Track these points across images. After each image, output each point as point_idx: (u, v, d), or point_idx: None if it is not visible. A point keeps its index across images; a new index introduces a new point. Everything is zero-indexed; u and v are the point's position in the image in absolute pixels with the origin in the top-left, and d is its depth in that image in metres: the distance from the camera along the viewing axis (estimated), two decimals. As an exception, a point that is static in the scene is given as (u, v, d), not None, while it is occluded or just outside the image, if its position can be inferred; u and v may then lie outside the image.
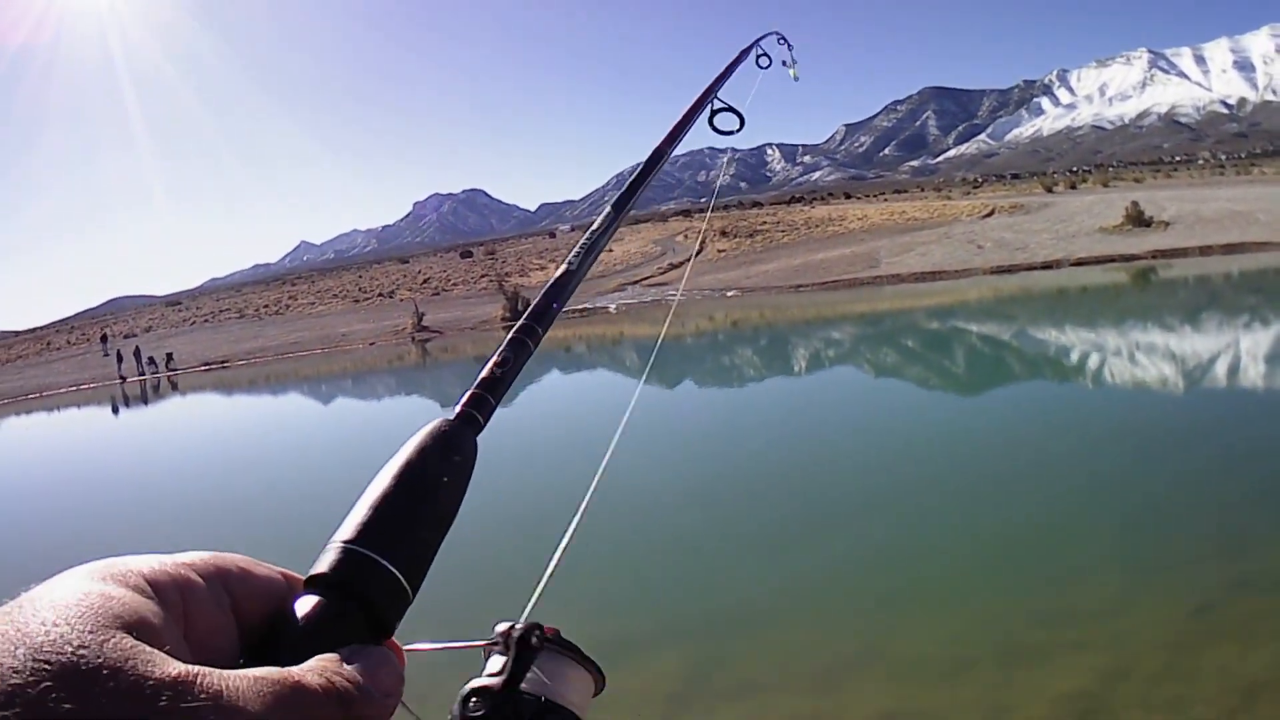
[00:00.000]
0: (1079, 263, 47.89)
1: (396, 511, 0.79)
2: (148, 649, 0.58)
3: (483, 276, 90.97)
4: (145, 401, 50.70)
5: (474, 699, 0.78)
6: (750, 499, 15.36)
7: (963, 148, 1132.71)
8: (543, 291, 1.11)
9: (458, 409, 0.91)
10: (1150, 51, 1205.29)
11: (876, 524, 13.13)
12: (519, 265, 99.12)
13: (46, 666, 0.53)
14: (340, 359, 54.80)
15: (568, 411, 26.73)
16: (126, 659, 0.55)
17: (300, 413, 38.66)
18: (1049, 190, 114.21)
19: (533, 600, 0.98)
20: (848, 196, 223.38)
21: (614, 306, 57.43)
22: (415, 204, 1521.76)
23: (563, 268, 1.17)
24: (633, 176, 1.47)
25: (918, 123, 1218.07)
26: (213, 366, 59.46)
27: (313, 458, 24.42)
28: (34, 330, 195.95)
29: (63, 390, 58.39)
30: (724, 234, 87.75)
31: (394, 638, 0.76)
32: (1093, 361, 24.48)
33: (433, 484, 0.83)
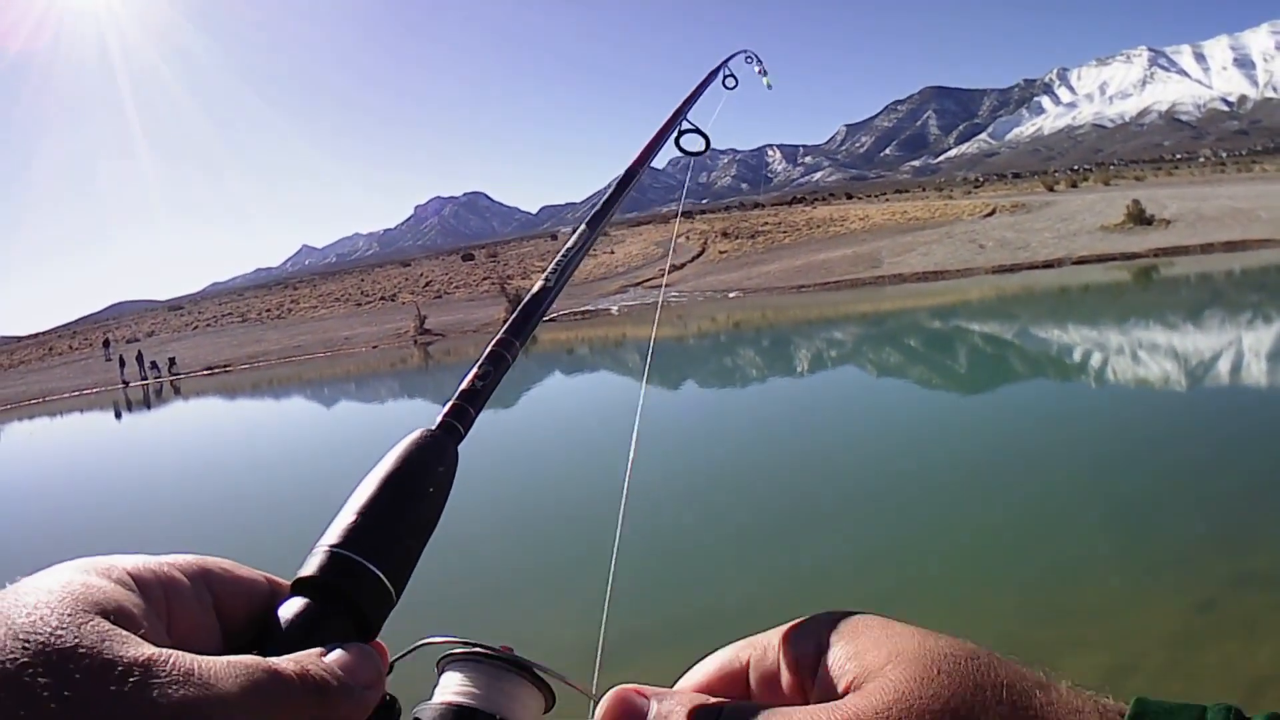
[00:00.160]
0: (1080, 261, 47.87)
1: (381, 517, 0.81)
2: (124, 632, 0.59)
3: (485, 279, 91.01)
4: (148, 406, 50.71)
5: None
6: (753, 498, 15.37)
7: (964, 147, 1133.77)
8: (520, 307, 1.12)
9: (439, 419, 0.93)
10: (1150, 49, 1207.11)
11: (879, 522, 13.13)
12: (521, 268, 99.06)
13: (24, 645, 0.55)
14: (343, 362, 54.79)
15: (578, 418, 26.73)
16: (102, 639, 0.57)
17: (303, 417, 38.65)
18: (1050, 189, 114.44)
19: (599, 650, 0.98)
20: (849, 197, 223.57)
21: (616, 308, 57.44)
22: (417, 207, 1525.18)
23: (539, 283, 1.17)
24: (606, 195, 1.48)
25: (918, 122, 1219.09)
26: (215, 371, 59.42)
27: (314, 462, 24.41)
28: (36, 335, 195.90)
29: (65, 395, 58.34)
30: (725, 235, 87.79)
31: (379, 639, 0.77)
32: (1095, 360, 24.48)
33: (416, 491, 0.85)
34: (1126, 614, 8.89)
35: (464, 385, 0.98)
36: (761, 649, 0.81)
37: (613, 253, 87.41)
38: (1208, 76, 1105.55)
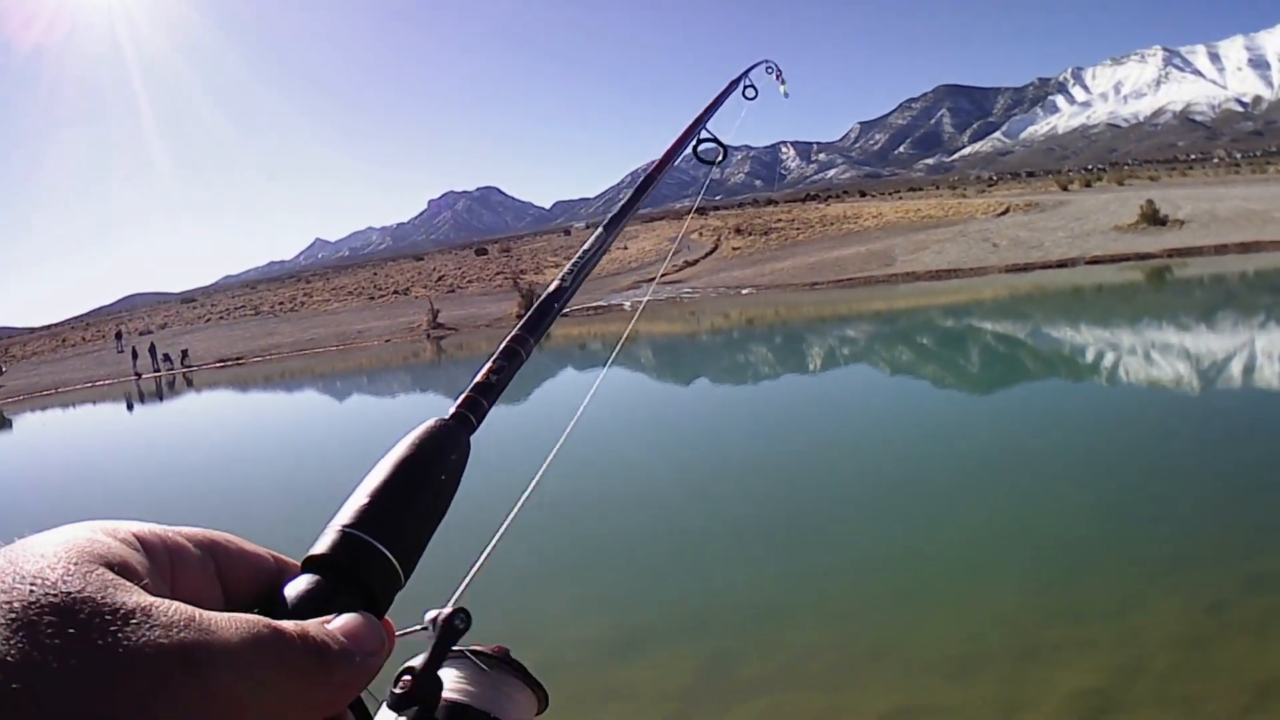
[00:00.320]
0: (1094, 261, 47.80)
1: (392, 501, 0.81)
2: (126, 582, 0.60)
3: (498, 274, 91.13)
4: (160, 398, 50.90)
5: (403, 677, 0.79)
6: (763, 495, 15.37)
7: (978, 145, 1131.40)
8: (536, 304, 1.14)
9: (452, 410, 0.95)
10: (1165, 49, 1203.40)
11: (889, 521, 13.14)
12: (534, 262, 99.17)
13: (31, 590, 0.56)
14: (355, 356, 54.90)
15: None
16: (105, 586, 0.58)
17: (314, 409, 38.70)
18: (1064, 188, 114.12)
19: (461, 587, 0.80)
20: (863, 194, 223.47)
21: (628, 304, 57.40)
22: (430, 202, 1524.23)
23: (555, 283, 1.20)
24: (623, 202, 1.50)
25: (933, 120, 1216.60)
26: (228, 363, 59.58)
27: (324, 455, 24.45)
28: (49, 327, 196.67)
29: (78, 387, 58.52)
30: (739, 232, 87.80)
31: (387, 617, 0.77)
32: (1107, 360, 24.46)
33: (427, 477, 0.85)
34: (1135, 614, 8.89)
35: (478, 378, 1.00)
36: None
37: (625, 248, 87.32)
38: (1223, 77, 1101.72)
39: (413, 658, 0.81)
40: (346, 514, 0.80)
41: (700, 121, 1.86)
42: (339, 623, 0.70)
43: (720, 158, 1.85)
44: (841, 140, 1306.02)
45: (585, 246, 1.32)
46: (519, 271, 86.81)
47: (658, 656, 9.37)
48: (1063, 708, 7.48)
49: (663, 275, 69.57)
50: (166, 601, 0.60)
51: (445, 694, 0.80)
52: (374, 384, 45.25)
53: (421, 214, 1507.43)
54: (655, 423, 22.49)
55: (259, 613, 0.70)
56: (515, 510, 0.98)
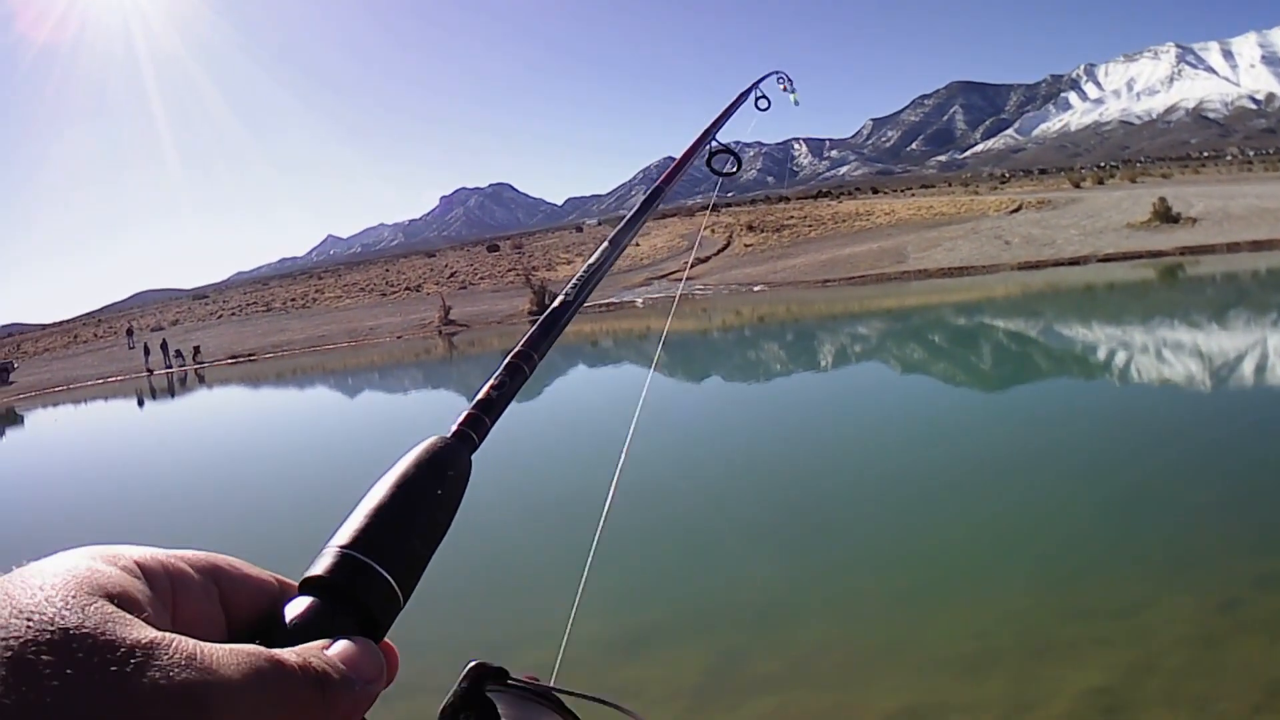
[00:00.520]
0: (1106, 259, 47.70)
1: (391, 521, 0.81)
2: (127, 615, 0.59)
3: (510, 270, 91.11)
4: (172, 394, 50.99)
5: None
6: (773, 494, 15.38)
7: (990, 143, 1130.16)
8: (540, 320, 1.13)
9: (454, 428, 0.93)
10: (1178, 46, 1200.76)
11: (899, 518, 13.13)
12: (546, 259, 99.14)
13: (29, 624, 0.55)
14: (367, 352, 54.91)
15: (590, 406, 26.70)
16: (105, 621, 0.57)
17: (326, 406, 38.69)
18: (1076, 186, 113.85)
19: (560, 653, 0.97)
20: (875, 191, 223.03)
21: (641, 301, 57.40)
22: (442, 198, 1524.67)
23: (560, 298, 1.18)
24: (631, 214, 1.50)
25: (945, 117, 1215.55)
26: (239, 359, 59.61)
27: (337, 454, 24.46)
28: (61, 323, 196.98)
29: (90, 383, 58.57)
30: (751, 229, 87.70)
31: (388, 641, 0.76)
32: (1119, 358, 24.41)
33: (427, 497, 0.84)
34: (1146, 613, 8.89)
35: (480, 395, 0.98)
36: None
37: (638, 245, 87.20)
38: (1235, 74, 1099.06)
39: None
40: (344, 534, 0.79)
41: (710, 133, 1.87)
42: (338, 649, 0.69)
43: (734, 169, 1.86)
44: (854, 137, 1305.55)
45: (591, 260, 1.30)
46: (531, 268, 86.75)
47: (667, 654, 9.38)
48: (1073, 706, 7.48)
49: (674, 273, 69.53)
50: (169, 637, 0.59)
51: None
52: (386, 381, 45.28)
53: (434, 210, 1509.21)
54: (665, 420, 22.50)
55: (259, 637, 0.69)
56: (590, 559, 1.00)
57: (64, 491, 24.65)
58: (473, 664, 0.88)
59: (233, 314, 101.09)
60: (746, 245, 79.18)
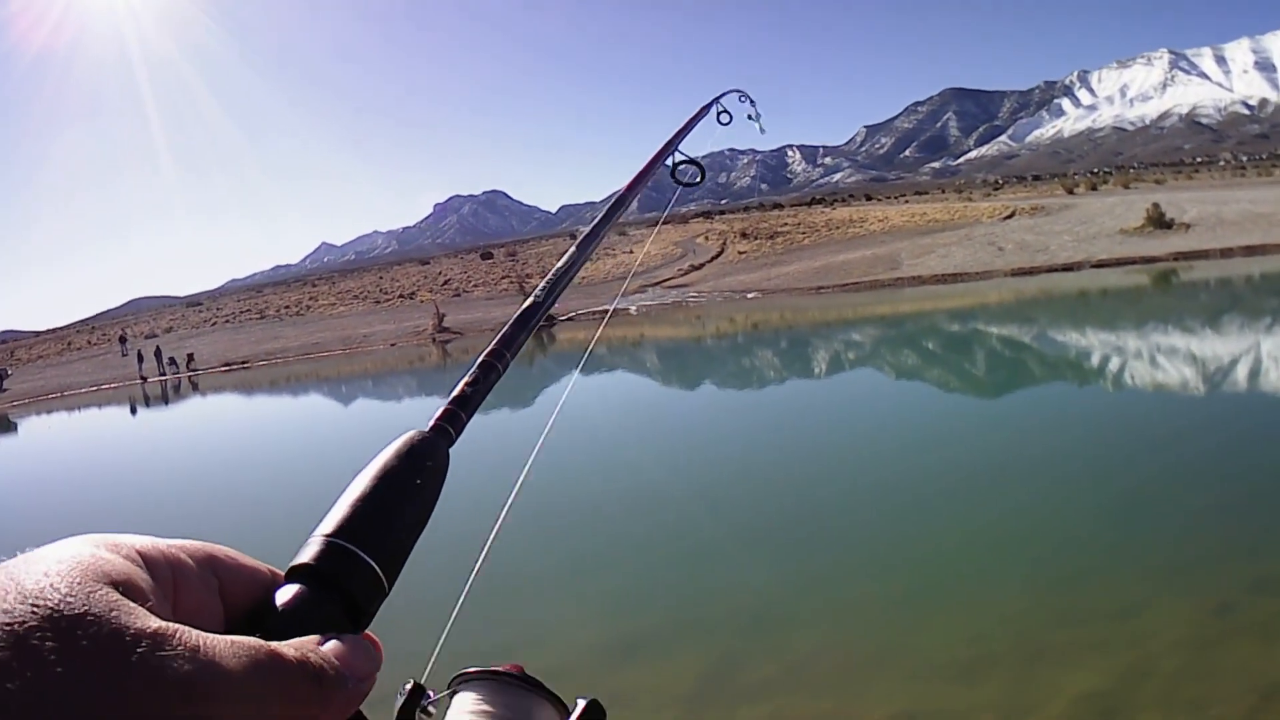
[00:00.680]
0: (1100, 265, 47.80)
1: (375, 510, 0.82)
2: (131, 604, 0.60)
3: (503, 278, 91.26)
4: (166, 402, 50.94)
5: None
6: (768, 499, 15.39)
7: (983, 149, 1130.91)
8: (510, 321, 1.16)
9: (431, 423, 0.96)
10: (1171, 52, 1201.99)
11: (895, 524, 13.14)
12: (540, 266, 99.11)
13: (34, 610, 0.55)
14: (361, 360, 54.96)
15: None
16: (110, 609, 0.57)
17: (320, 414, 38.73)
18: (1070, 192, 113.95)
19: (433, 656, 0.96)
20: (868, 198, 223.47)
21: (635, 308, 57.42)
22: (436, 205, 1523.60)
23: (530, 300, 1.22)
24: (596, 220, 1.53)
25: (938, 124, 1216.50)
26: (233, 367, 59.64)
27: (330, 459, 24.47)
28: (55, 330, 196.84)
29: (83, 390, 58.59)
30: (745, 236, 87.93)
31: (369, 630, 0.78)
32: (1113, 364, 24.44)
33: (408, 487, 0.86)
34: (1142, 617, 8.90)
35: (456, 391, 1.01)
36: None
37: (631, 252, 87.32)
38: (1228, 79, 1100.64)
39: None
40: (329, 523, 0.80)
41: (673, 144, 1.91)
42: (332, 646, 0.70)
43: (699, 179, 1.89)
44: (847, 144, 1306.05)
45: (559, 265, 1.33)
46: (525, 275, 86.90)
47: (662, 660, 9.38)
48: (1069, 710, 7.48)
49: (668, 280, 69.60)
50: (173, 627, 0.60)
51: (467, 715, 0.82)
52: (379, 388, 45.31)
53: (427, 218, 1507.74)
54: (659, 426, 22.50)
55: (255, 626, 0.71)
56: (498, 525, 1.01)
57: (56, 498, 24.62)
58: (410, 684, 0.88)
59: (227, 321, 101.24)
60: (740, 252, 79.39)
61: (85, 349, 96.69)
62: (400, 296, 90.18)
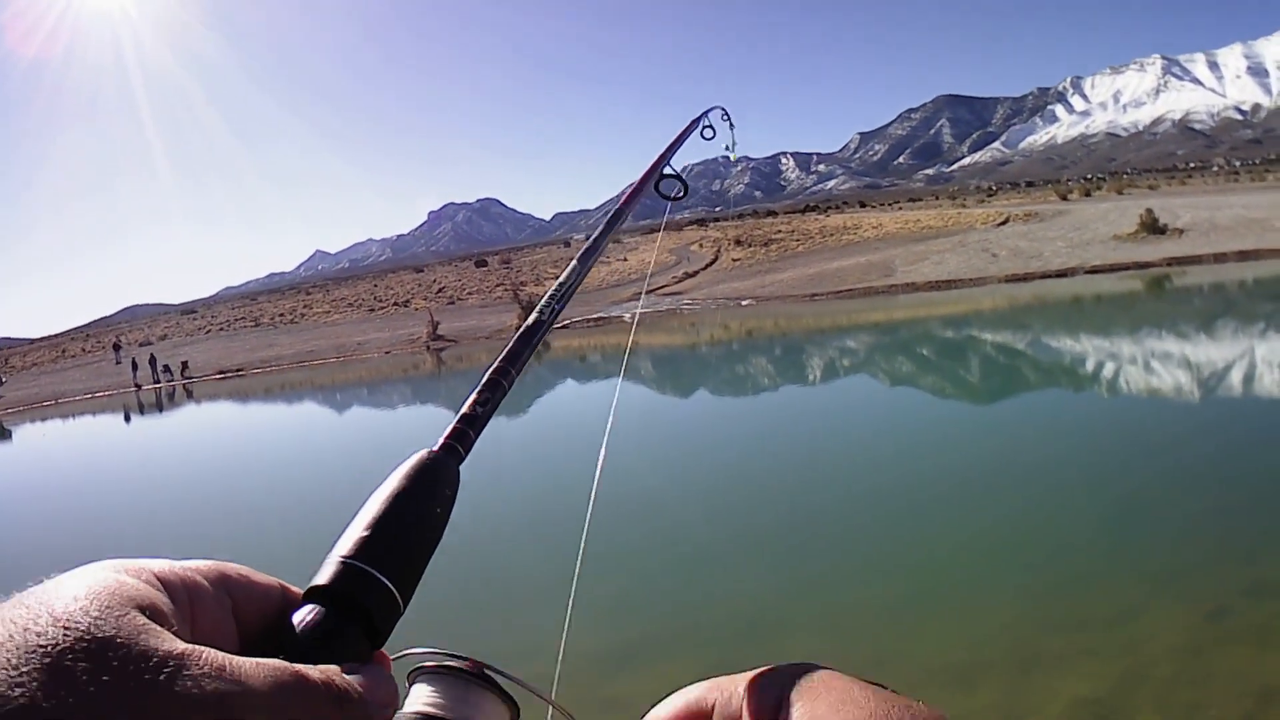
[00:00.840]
0: (1093, 270, 47.76)
1: (389, 531, 0.84)
2: (157, 627, 0.61)
3: (498, 285, 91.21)
4: (160, 409, 50.82)
5: None
6: (763, 506, 15.40)
7: (977, 155, 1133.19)
8: (515, 337, 1.17)
9: (440, 441, 0.96)
10: (1164, 58, 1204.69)
11: (889, 531, 13.16)
12: (534, 274, 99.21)
13: (65, 631, 0.57)
14: (355, 368, 54.85)
15: (566, 422, 26.71)
16: (139, 632, 0.59)
17: (315, 422, 38.61)
18: (1063, 198, 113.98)
19: (562, 644, 0.97)
20: (862, 205, 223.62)
21: (628, 315, 57.38)
22: (430, 213, 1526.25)
23: (534, 316, 1.22)
24: (594, 234, 1.55)
25: (932, 131, 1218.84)
26: (228, 375, 59.51)
27: (326, 469, 24.46)
28: (49, 338, 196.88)
29: (77, 398, 58.47)
30: (738, 243, 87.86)
31: (383, 650, 0.80)
32: (1107, 369, 24.46)
33: (421, 508, 0.88)
34: (1136, 623, 8.91)
35: (464, 410, 1.02)
36: (728, 694, 0.78)
37: (625, 260, 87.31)
38: (1221, 85, 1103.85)
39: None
40: (345, 545, 0.82)
41: (664, 159, 1.95)
42: (355, 675, 0.71)
43: (682, 193, 1.94)
44: (841, 151, 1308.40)
45: (561, 279, 1.34)
46: (519, 283, 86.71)
47: (657, 667, 9.37)
48: (1065, 716, 7.49)
49: (662, 287, 69.59)
50: (199, 649, 0.61)
51: (415, 708, 0.81)
52: (374, 396, 45.23)
53: (421, 225, 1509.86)
54: (654, 434, 22.50)
55: (270, 645, 0.73)
56: (577, 571, 1.03)
57: (52, 505, 24.59)
58: None
59: (221, 329, 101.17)
60: (734, 259, 79.30)
61: (80, 356, 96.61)
62: (394, 304, 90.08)
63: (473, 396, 1.05)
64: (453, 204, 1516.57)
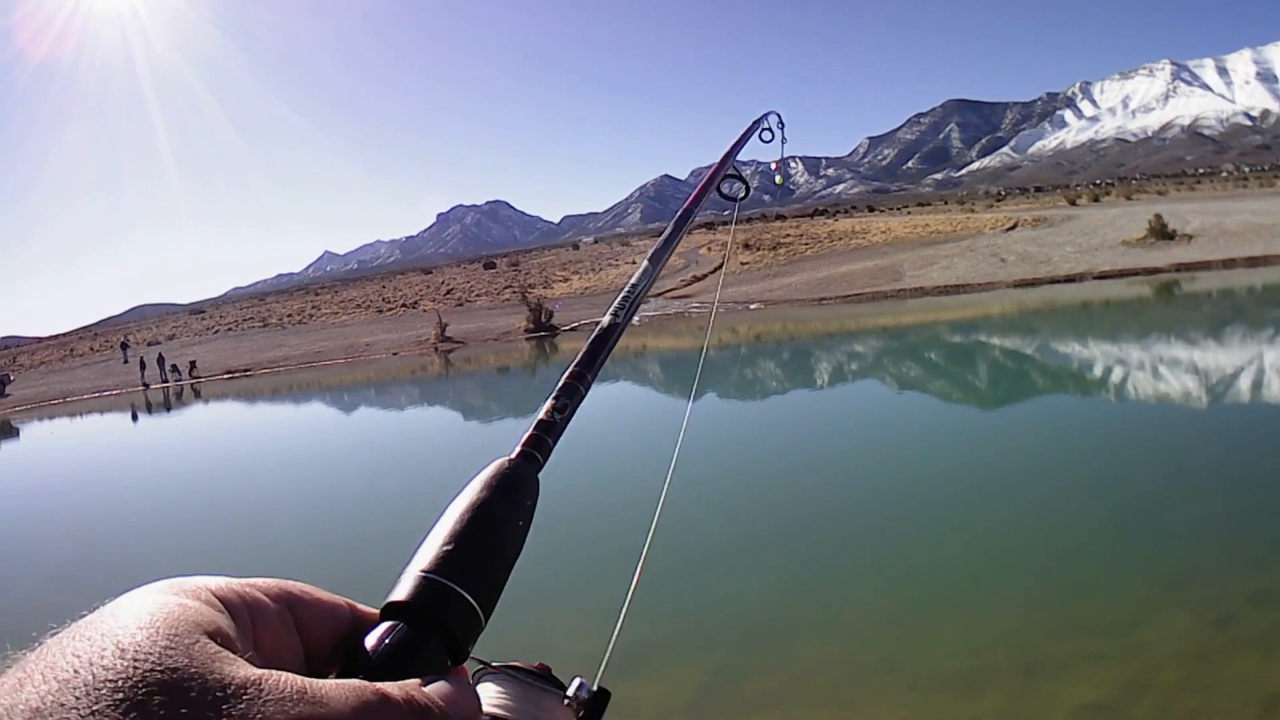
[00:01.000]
0: (1102, 276, 47.73)
1: (469, 545, 0.82)
2: (230, 654, 0.60)
3: (506, 288, 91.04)
4: (168, 409, 50.80)
5: None
6: (770, 509, 15.41)
7: (986, 160, 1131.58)
8: (590, 341, 1.18)
9: (518, 449, 0.95)
10: (1173, 63, 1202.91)
11: (896, 535, 13.15)
12: (542, 277, 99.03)
13: (135, 664, 0.55)
14: (363, 369, 54.80)
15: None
16: (211, 660, 0.57)
17: (323, 423, 38.52)
18: (1072, 203, 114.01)
19: (606, 655, 1.03)
20: (871, 209, 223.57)
21: (637, 318, 57.21)
22: (439, 215, 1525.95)
23: (608, 318, 1.24)
24: (664, 235, 1.56)
25: (941, 135, 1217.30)
26: (235, 374, 59.51)
27: (335, 471, 24.44)
28: (57, 337, 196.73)
29: (85, 396, 58.49)
30: (747, 247, 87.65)
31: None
32: (1115, 375, 24.43)
33: (501, 520, 0.86)
34: (1142, 629, 8.90)
35: (541, 415, 1.01)
36: None
37: (634, 263, 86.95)
38: (1230, 90, 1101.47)
39: None
40: (425, 559, 0.80)
41: (729, 158, 1.96)
42: (437, 687, 0.69)
43: (744, 195, 1.94)
44: (850, 155, 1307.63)
45: (633, 281, 1.37)
46: (527, 285, 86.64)
47: (663, 670, 9.37)
48: (1069, 722, 7.49)
49: (671, 290, 69.52)
50: (274, 673, 0.59)
51: (485, 708, 0.79)
52: (381, 397, 45.16)
53: (430, 227, 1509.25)
54: (660, 436, 22.50)
55: (339, 664, 0.73)
56: (638, 572, 1.03)
57: (59, 504, 24.58)
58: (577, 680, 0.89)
59: (229, 329, 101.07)
60: (743, 263, 79.12)
61: (88, 355, 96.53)
62: (403, 306, 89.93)
63: (549, 402, 1.03)
64: (461, 206, 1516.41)
